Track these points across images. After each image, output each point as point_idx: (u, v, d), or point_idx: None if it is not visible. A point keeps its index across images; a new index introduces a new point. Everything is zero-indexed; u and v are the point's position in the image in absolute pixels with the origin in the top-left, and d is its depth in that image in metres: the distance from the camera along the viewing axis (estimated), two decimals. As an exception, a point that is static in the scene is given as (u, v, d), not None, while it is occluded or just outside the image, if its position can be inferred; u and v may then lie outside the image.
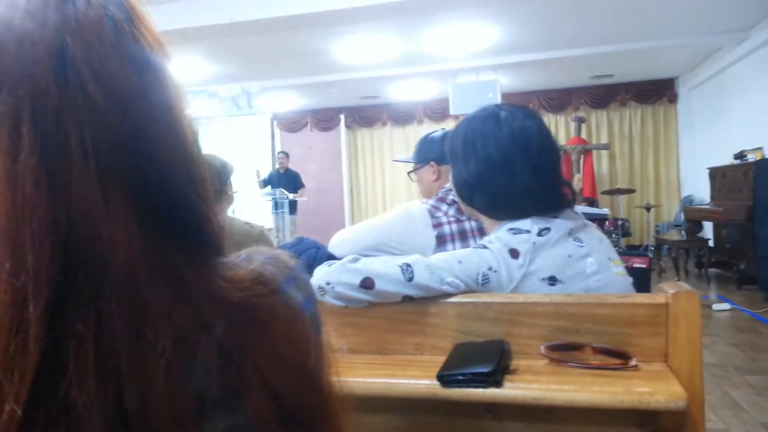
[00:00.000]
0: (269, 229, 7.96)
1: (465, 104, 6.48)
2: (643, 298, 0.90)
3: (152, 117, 0.36)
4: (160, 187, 0.35)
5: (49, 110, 0.32)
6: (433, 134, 1.76)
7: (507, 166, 1.03)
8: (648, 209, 7.18)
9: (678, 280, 5.94)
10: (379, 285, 0.98)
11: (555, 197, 1.05)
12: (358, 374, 0.95)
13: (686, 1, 4.99)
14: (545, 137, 1.06)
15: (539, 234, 0.99)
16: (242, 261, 0.40)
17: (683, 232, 6.69)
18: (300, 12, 4.54)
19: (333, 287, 1.01)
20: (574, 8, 5.04)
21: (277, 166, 8.04)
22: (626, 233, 7.48)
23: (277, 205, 7.42)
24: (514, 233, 1.01)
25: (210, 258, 0.38)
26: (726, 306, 4.66)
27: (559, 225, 1.01)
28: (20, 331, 0.29)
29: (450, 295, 0.99)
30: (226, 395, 0.34)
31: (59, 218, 0.31)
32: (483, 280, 0.98)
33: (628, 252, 5.44)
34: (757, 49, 5.82)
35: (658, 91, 8.28)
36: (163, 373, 0.32)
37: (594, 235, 1.05)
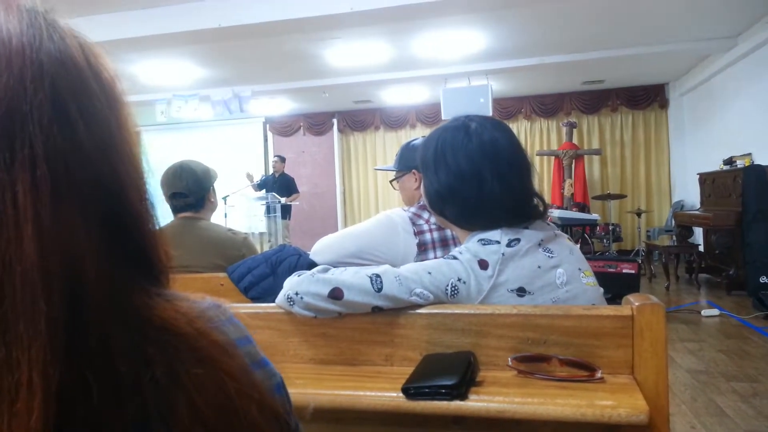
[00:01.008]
0: (262, 234, 7.95)
1: (456, 109, 6.48)
2: (608, 310, 0.90)
3: (123, 150, 0.38)
4: (128, 218, 0.37)
5: (46, 146, 0.32)
6: (414, 141, 1.76)
7: (477, 178, 1.03)
8: (639, 214, 7.21)
9: (668, 285, 5.95)
10: (348, 295, 0.98)
11: (525, 208, 1.05)
12: (326, 386, 0.95)
13: (675, 9, 5.03)
14: (515, 149, 1.06)
15: (508, 245, 0.99)
16: (186, 296, 0.42)
17: (674, 238, 6.71)
18: (288, 17, 4.54)
19: (302, 297, 1.00)
20: (564, 15, 5.07)
21: (272, 170, 8.01)
22: (617, 238, 7.51)
23: (269, 209, 7.40)
24: (484, 244, 1.00)
25: (158, 285, 0.39)
26: (715, 312, 4.67)
27: (528, 236, 1.01)
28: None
29: (419, 306, 0.99)
30: (155, 419, 0.34)
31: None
32: (452, 291, 0.98)
33: (617, 258, 5.45)
34: (744, 57, 5.87)
35: (648, 97, 8.33)
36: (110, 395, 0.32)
37: (564, 245, 1.05)
